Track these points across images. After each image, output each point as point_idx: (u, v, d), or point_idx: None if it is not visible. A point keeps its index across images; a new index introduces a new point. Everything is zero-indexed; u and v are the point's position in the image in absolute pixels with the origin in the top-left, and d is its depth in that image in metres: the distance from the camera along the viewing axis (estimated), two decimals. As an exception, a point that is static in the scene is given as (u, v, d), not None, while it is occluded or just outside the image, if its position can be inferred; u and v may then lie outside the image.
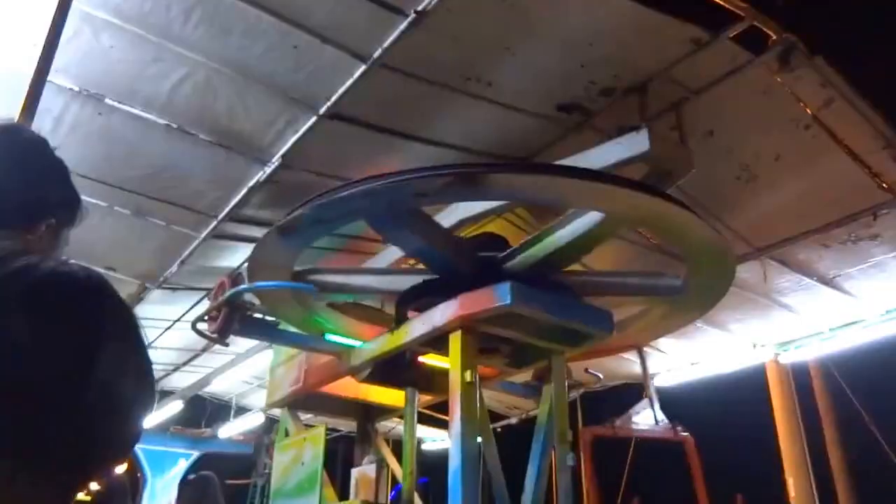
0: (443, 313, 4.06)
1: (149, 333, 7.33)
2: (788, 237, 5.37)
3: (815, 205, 5.03)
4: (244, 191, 5.03)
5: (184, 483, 6.03)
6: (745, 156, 4.67)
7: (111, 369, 0.80)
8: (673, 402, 9.80)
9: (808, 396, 9.09)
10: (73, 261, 0.87)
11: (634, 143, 3.84)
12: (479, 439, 3.91)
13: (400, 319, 4.40)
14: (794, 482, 7.35)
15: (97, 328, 0.82)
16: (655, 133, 3.86)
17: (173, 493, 6.81)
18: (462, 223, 4.30)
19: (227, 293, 4.28)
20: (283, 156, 4.69)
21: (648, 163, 3.95)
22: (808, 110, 4.20)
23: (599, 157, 3.93)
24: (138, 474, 10.01)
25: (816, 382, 9.32)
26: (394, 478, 5.52)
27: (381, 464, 5.30)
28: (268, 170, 4.81)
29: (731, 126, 4.46)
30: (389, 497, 5.13)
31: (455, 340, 4.01)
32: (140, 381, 0.87)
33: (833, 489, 9.19)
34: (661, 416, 7.04)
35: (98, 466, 0.82)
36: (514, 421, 10.14)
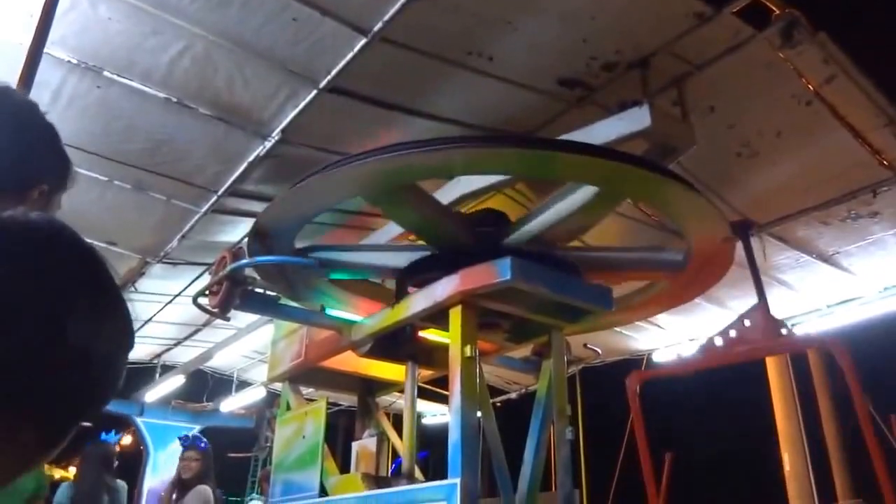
0: (443, 288, 4.08)
1: (150, 308, 7.41)
2: (788, 214, 5.38)
3: (816, 181, 5.03)
4: (244, 165, 5.01)
5: (186, 440, 6.01)
6: (747, 132, 4.65)
7: (85, 312, 0.81)
8: (669, 378, 9.88)
9: (805, 373, 9.17)
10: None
11: (636, 119, 3.83)
12: (479, 413, 3.94)
13: (400, 294, 4.43)
14: (790, 457, 7.43)
15: (68, 273, 0.82)
16: (657, 108, 3.85)
17: (175, 466, 6.91)
18: (462, 199, 4.30)
19: (229, 268, 4.29)
20: (282, 130, 4.67)
21: (650, 138, 3.94)
22: (810, 86, 4.18)
23: (601, 132, 3.92)
24: (141, 447, 10.12)
25: (813, 359, 9.40)
26: (394, 451, 5.58)
27: (382, 437, 5.35)
28: (268, 144, 4.80)
29: (733, 102, 4.44)
30: (390, 470, 5.19)
31: (455, 315, 4.03)
32: (116, 321, 0.87)
33: (828, 464, 9.31)
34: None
35: (82, 410, 0.83)
36: (513, 396, 10.23)
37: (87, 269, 0.85)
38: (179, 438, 6.28)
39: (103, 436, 6.85)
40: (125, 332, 0.88)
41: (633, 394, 4.24)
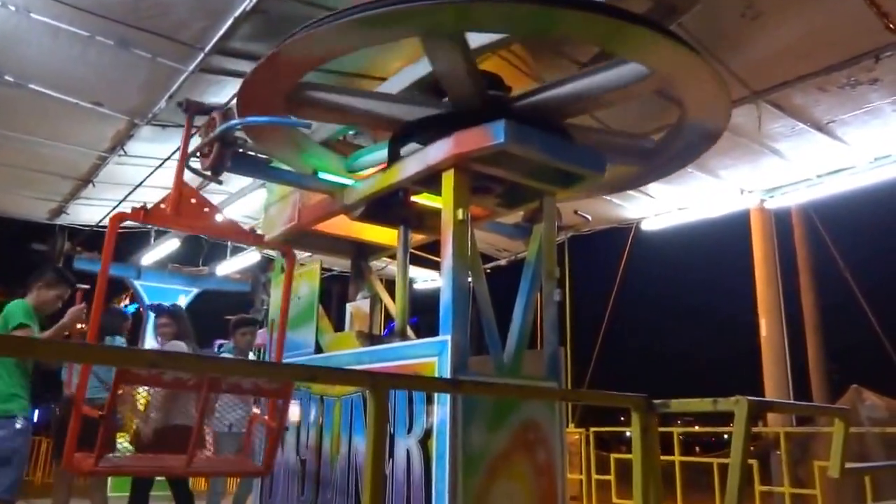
0: (436, 151, 4.07)
1: (140, 172, 7.34)
2: (787, 80, 5.29)
3: (818, 46, 4.91)
4: (230, 21, 4.82)
5: (157, 308, 5.97)
6: (753, -10, 4.49)
7: None
8: (658, 245, 10.10)
9: (788, 243, 9.38)
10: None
11: (638, -25, 3.68)
12: (469, 278, 4.04)
13: (393, 158, 4.42)
14: (766, 323, 7.70)
15: None
16: (661, -36, 3.69)
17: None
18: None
19: (219, 129, 4.25)
20: (270, -18, 4.46)
21: (652, -3, 3.81)
22: (822, -58, 4.00)
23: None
24: (140, 310, 10.37)
25: (797, 230, 9.58)
26: (386, 316, 5.76)
27: (375, 299, 5.52)
28: (254, -3, 4.59)
29: (740, -42, 4.26)
30: (383, 333, 5.38)
31: (448, 179, 4.05)
32: None
33: (802, 331, 9.72)
34: None
35: None
36: (502, 262, 10.45)
37: None
38: (149, 307, 6.20)
39: (126, 308, 6.88)
40: None
41: (113, 231, 4.32)
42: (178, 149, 7.21)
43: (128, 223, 4.71)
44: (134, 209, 4.09)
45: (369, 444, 1.26)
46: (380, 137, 4.89)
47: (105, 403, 3.83)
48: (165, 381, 3.96)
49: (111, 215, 5.31)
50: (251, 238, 5.44)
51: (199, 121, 4.56)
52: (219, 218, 4.43)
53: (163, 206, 4.23)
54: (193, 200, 4.29)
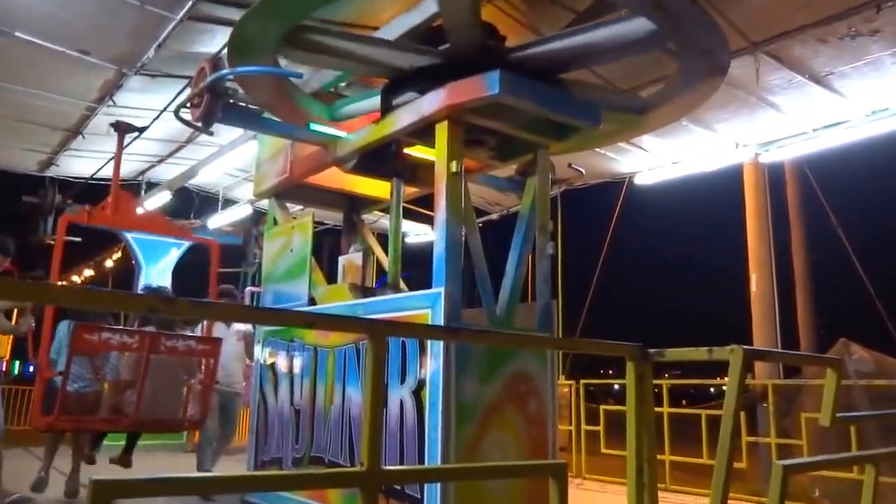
0: (430, 102, 4.01)
1: (133, 124, 7.16)
2: (787, 30, 5.21)
3: (820, -6, 4.83)
4: (219, -33, 4.71)
5: (149, 290, 6.15)
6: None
7: None
8: (650, 200, 10.10)
9: (781, 199, 9.38)
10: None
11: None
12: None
13: (386, 109, 4.35)
14: (757, 278, 7.75)
15: None
16: None
17: (166, 281, 7.15)
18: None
19: (209, 78, 4.16)
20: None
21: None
22: None
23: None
24: (133, 262, 10.33)
25: (790, 185, 9.57)
26: (378, 269, 5.75)
27: (368, 252, 5.50)
28: (244, -59, 4.47)
29: None
30: (375, 286, 5.38)
31: (441, 131, 4.01)
32: None
33: (792, 286, 9.79)
34: None
35: None
36: (494, 217, 10.43)
37: None
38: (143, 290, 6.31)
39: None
40: None
41: (62, 232, 5.32)
42: (153, 122, 7.34)
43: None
44: (80, 211, 5.43)
45: (367, 392, 1.26)
46: (371, 89, 4.81)
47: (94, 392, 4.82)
48: (114, 346, 4.73)
49: (61, 217, 5.64)
50: (183, 232, 6.78)
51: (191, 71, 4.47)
52: (152, 217, 5.90)
53: (104, 210, 5.46)
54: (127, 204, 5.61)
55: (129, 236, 10.07)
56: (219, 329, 5.89)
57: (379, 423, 1.26)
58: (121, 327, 5.31)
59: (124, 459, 5.32)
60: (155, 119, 7.38)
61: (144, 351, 4.68)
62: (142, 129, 7.09)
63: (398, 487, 3.71)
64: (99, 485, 0.92)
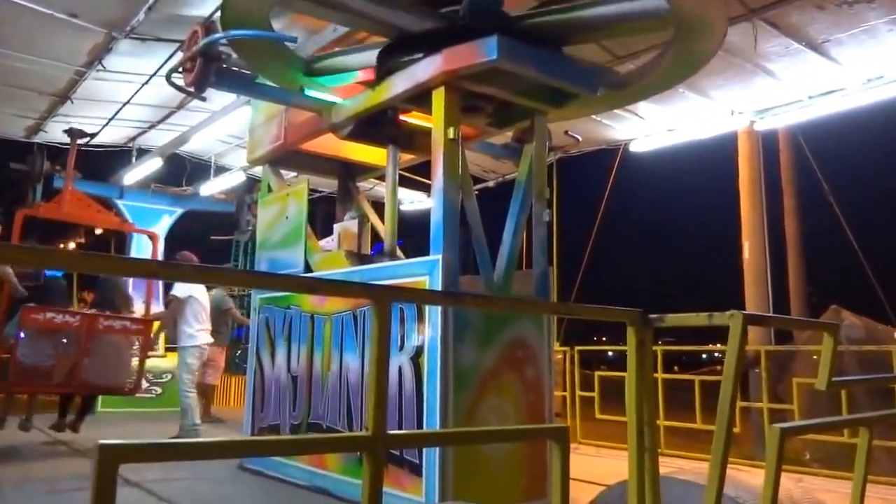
0: (426, 69, 3.97)
1: (121, 89, 7.14)
2: (785, -4, 5.18)
3: (819, -39, 4.78)
4: (210, -72, 4.61)
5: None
6: None
7: None
8: (646, 166, 10.08)
9: (775, 167, 9.38)
10: None
11: None
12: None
13: (382, 75, 4.31)
14: (750, 245, 7.78)
15: None
16: None
17: (158, 246, 7.34)
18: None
19: (201, 42, 4.10)
20: None
21: None
22: None
23: None
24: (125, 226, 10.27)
25: (784, 154, 9.57)
26: (373, 236, 5.74)
27: (363, 219, 5.49)
28: None
29: None
30: (371, 253, 5.37)
31: (438, 97, 3.97)
32: None
33: (784, 254, 9.85)
34: None
35: None
36: (491, 184, 10.41)
37: None
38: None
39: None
40: None
41: (19, 226, 5.70)
42: (97, 132, 7.51)
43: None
44: (35, 205, 6.21)
45: (373, 358, 1.27)
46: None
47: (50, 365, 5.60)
48: (57, 324, 5.61)
49: (18, 212, 5.85)
50: (127, 225, 7.79)
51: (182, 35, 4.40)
52: (99, 211, 6.65)
53: (55, 203, 6.10)
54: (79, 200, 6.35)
55: (120, 203, 10.02)
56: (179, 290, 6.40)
57: (384, 388, 1.27)
58: (64, 309, 6.03)
59: (74, 425, 6.06)
60: (137, 91, 7.35)
61: (84, 329, 5.69)
62: (93, 135, 8.06)
63: (397, 453, 3.76)
64: (106, 449, 0.92)
